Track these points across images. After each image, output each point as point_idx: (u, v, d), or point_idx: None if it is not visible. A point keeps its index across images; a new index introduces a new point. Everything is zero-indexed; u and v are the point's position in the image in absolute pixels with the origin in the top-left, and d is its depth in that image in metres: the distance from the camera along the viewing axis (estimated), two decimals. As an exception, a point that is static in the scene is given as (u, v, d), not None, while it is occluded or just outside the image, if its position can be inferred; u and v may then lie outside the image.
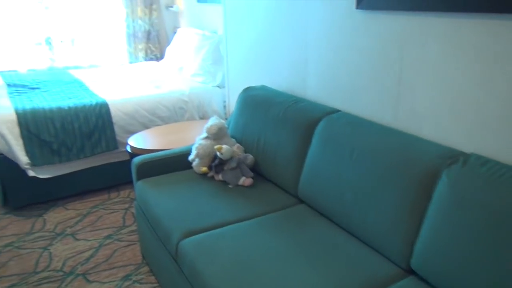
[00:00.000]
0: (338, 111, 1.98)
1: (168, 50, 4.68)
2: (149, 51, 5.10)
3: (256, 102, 2.29)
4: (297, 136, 1.97)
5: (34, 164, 2.73)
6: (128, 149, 2.64)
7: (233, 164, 2.15)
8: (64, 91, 3.35)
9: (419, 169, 1.43)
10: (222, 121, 2.33)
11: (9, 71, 4.41)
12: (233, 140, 2.35)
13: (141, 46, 4.98)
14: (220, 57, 3.47)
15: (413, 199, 1.42)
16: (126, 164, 3.12)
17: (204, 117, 3.35)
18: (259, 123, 2.21)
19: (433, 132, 1.61)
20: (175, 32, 5.14)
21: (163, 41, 5.19)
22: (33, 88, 3.41)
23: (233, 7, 2.80)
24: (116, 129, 3.01)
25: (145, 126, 3.10)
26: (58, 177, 2.89)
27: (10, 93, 3.25)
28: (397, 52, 1.69)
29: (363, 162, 1.62)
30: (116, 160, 3.09)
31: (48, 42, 4.52)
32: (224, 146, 2.16)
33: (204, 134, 2.33)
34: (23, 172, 2.74)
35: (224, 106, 3.42)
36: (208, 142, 2.28)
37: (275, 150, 2.08)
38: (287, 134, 2.03)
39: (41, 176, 2.77)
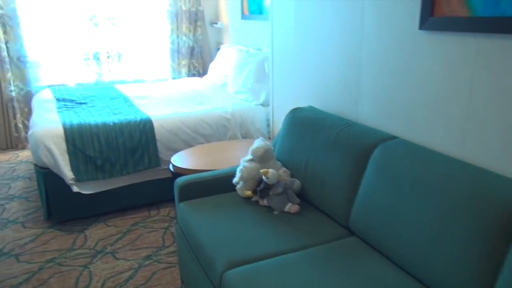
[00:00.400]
0: (395, 137, 1.84)
1: (211, 67, 4.69)
2: (192, 67, 5.13)
3: (304, 124, 2.19)
4: (349, 162, 1.85)
5: (78, 179, 2.74)
6: (171, 168, 2.60)
7: (279, 189, 2.05)
8: (109, 106, 3.39)
9: (496, 209, 1.27)
10: (268, 143, 2.24)
11: (58, 85, 4.56)
12: (279, 163, 2.25)
13: (184, 62, 5.02)
14: (264, 75, 3.40)
15: (489, 244, 1.26)
16: (167, 181, 3.09)
17: (246, 135, 3.27)
18: (308, 147, 2.10)
19: (509, 167, 1.44)
20: (218, 48, 5.16)
21: (206, 57, 5.22)
22: (80, 103, 3.47)
23: (281, 24, 2.73)
24: (159, 146, 2.98)
25: (188, 144, 3.07)
26: (100, 193, 2.89)
27: (59, 107, 3.31)
28: (466, 76, 1.55)
29: (426, 196, 1.48)
30: (157, 177, 3.06)
31: (96, 57, 4.64)
32: (270, 170, 2.07)
33: (249, 156, 2.25)
34: (67, 187, 2.75)
35: (268, 125, 3.34)
36: (253, 164, 2.19)
37: (325, 176, 1.96)
38: (338, 160, 1.91)
39: (84, 192, 2.78)
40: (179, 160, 2.62)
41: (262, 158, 2.19)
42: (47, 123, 2.86)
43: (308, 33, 2.43)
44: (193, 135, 3.09)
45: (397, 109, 1.90)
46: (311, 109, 2.34)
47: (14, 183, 3.55)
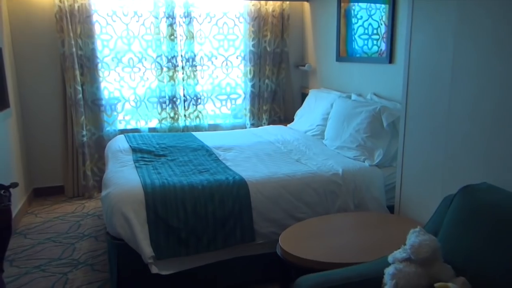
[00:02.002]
0: None
1: (298, 114, 4.13)
2: (273, 113, 4.62)
3: (495, 215, 1.49)
4: None
5: (157, 257, 2.18)
6: (279, 252, 1.98)
7: (465, 316, 1.35)
8: (192, 160, 2.88)
9: None
10: (434, 237, 1.56)
11: (131, 129, 4.20)
12: (449, 268, 1.55)
13: (265, 107, 4.51)
14: (381, 130, 2.76)
15: None
16: (260, 259, 2.46)
17: (360, 205, 2.60)
18: (508, 253, 1.40)
19: None
20: (303, 93, 4.63)
21: (288, 102, 4.69)
22: (159, 155, 3.00)
23: (426, 69, 2.10)
24: (255, 216, 2.39)
25: (289, 214, 2.45)
26: (179, 272, 2.30)
27: (136, 160, 2.86)
28: None
29: None
30: (249, 254, 2.45)
31: (172, 100, 4.25)
32: (452, 286, 1.38)
33: (404, 254, 1.57)
34: (143, 264, 2.20)
35: (386, 192, 2.65)
36: (413, 269, 1.52)
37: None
38: None
39: (164, 273, 2.21)
40: (289, 242, 1.99)
41: (427, 260, 1.52)
42: (124, 184, 2.38)
43: (487, 82, 1.77)
44: (296, 203, 2.47)
45: None
46: (492, 189, 1.64)
47: (79, 243, 3.09)
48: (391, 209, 2.61)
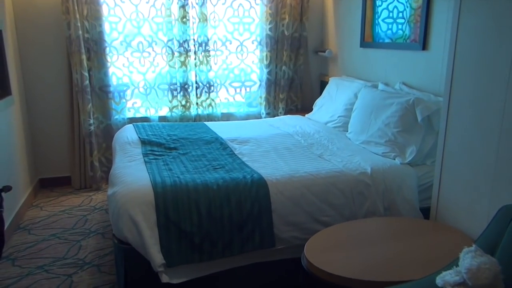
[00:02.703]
0: None
1: (317, 103, 3.87)
2: (289, 101, 4.35)
3: None
4: None
5: (168, 264, 1.98)
6: (303, 264, 1.76)
7: None
8: (206, 154, 2.66)
9: None
10: (494, 259, 1.32)
11: (140, 118, 3.99)
12: (512, 295, 1.32)
13: (282, 95, 4.25)
14: (415, 124, 2.49)
15: None
16: (280, 265, 2.25)
17: (390, 208, 2.36)
18: None
19: None
20: (321, 81, 4.36)
21: (306, 91, 4.42)
22: (170, 149, 2.78)
23: (477, 56, 1.83)
24: (275, 219, 2.17)
25: (312, 217, 2.22)
26: (191, 280, 2.10)
27: (145, 154, 2.64)
28: None
29: None
30: (267, 259, 2.24)
31: (184, 87, 4.01)
32: (523, 324, 1.15)
33: (455, 277, 1.34)
34: (152, 271, 2.00)
35: (419, 193, 2.41)
36: (470, 296, 1.29)
37: None
38: None
39: (174, 281, 2.01)
40: (316, 253, 1.76)
41: (486, 286, 1.28)
42: (132, 182, 2.16)
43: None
44: (320, 205, 2.24)
45: None
46: None
47: (85, 240, 2.91)
48: (423, 211, 2.38)
